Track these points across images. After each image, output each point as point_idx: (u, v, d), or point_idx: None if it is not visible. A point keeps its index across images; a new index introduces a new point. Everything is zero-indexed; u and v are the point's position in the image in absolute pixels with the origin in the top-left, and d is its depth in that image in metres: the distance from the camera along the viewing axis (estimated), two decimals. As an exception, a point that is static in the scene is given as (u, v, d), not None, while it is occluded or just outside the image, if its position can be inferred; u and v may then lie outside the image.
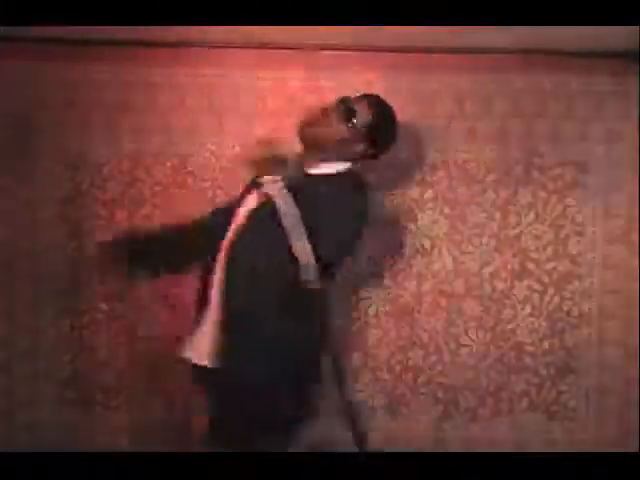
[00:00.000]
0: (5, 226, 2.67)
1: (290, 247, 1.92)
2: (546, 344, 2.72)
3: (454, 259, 2.71)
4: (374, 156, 2.21)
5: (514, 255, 2.71)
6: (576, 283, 2.71)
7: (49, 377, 2.69)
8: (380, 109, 2.18)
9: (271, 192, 1.99)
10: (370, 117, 2.14)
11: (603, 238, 2.71)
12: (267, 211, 1.99)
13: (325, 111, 2.14)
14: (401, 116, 2.67)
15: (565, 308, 2.72)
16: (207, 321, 2.09)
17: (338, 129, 2.11)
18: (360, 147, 2.14)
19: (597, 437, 2.73)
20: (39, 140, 2.66)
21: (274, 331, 2.01)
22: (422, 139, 2.68)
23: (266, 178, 2.02)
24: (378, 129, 2.16)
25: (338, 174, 2.11)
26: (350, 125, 2.11)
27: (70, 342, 2.71)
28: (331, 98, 2.65)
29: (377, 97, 2.22)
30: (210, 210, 2.33)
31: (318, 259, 1.93)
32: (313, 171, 2.11)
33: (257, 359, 2.01)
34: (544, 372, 2.72)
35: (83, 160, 2.68)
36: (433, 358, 2.72)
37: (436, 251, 2.71)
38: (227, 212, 2.17)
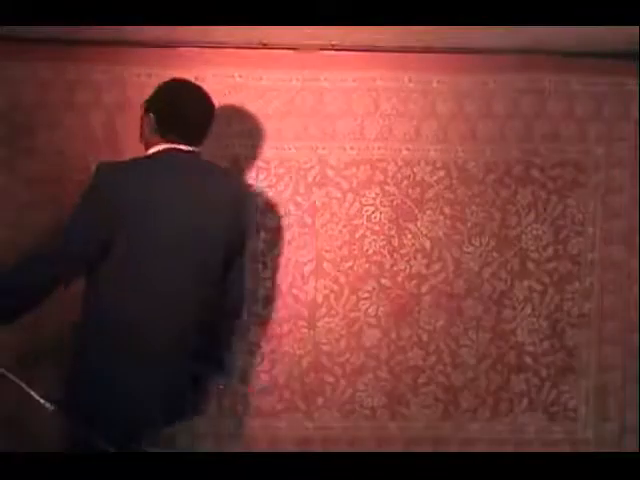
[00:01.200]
0: (5, 226, 2.67)
1: None
2: (546, 344, 2.72)
3: (454, 259, 2.71)
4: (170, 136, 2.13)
5: (514, 255, 2.71)
6: (576, 283, 2.72)
7: (49, 377, 2.68)
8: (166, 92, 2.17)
9: None
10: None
11: (603, 238, 2.71)
12: None
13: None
14: (401, 116, 2.69)
15: (565, 308, 2.72)
16: None
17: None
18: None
19: (597, 437, 2.74)
20: (39, 140, 2.66)
21: None
22: (422, 139, 2.69)
23: None
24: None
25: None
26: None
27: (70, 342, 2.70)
28: (331, 98, 2.66)
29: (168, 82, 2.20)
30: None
31: None
32: None
33: None
34: (544, 372, 2.72)
35: (83, 160, 2.68)
36: (433, 358, 2.72)
37: (436, 251, 2.71)
38: None
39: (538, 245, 2.71)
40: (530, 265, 2.71)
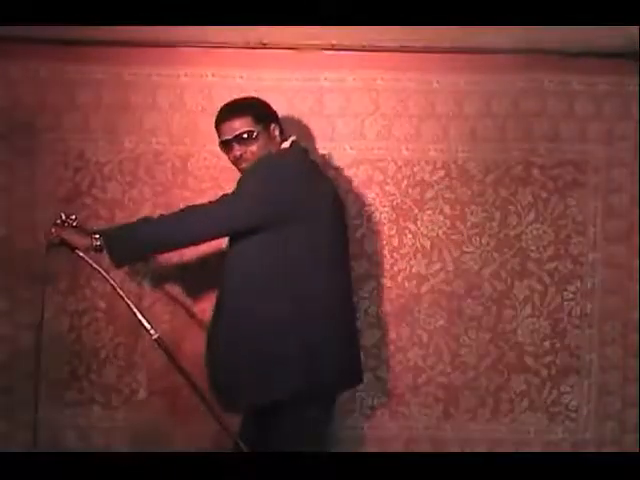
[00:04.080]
0: (5, 226, 2.67)
1: None
2: (547, 344, 2.72)
3: (454, 259, 2.71)
4: None
5: (514, 255, 2.71)
6: (577, 283, 2.71)
7: (49, 377, 2.68)
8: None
9: None
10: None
11: (604, 238, 2.71)
12: None
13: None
14: (401, 116, 2.69)
15: (566, 308, 2.72)
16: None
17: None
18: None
19: (597, 437, 2.74)
20: (39, 140, 2.66)
21: None
22: (422, 139, 2.69)
23: None
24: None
25: None
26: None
27: (70, 342, 2.71)
28: (331, 98, 2.66)
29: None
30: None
31: None
32: None
33: None
34: (544, 372, 2.72)
35: (83, 160, 2.68)
36: (433, 358, 2.72)
37: (436, 251, 2.71)
38: None
39: (538, 245, 2.71)
40: (530, 265, 2.71)
